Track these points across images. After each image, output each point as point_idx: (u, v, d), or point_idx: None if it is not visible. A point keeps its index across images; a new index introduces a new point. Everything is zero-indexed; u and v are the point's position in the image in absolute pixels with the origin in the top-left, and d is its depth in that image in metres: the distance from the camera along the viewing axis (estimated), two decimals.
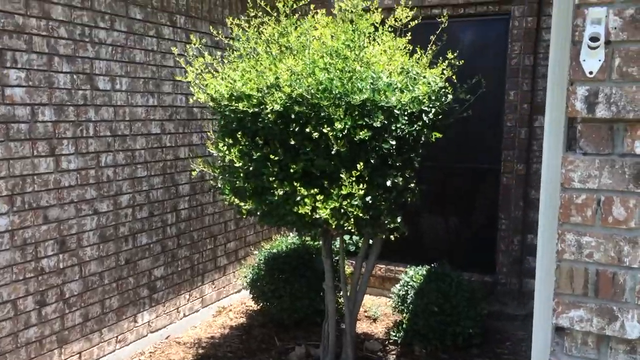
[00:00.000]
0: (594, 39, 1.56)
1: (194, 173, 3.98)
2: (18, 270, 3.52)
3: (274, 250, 4.98)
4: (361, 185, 3.21)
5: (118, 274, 4.27)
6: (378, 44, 3.77)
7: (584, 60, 1.59)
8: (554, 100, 1.79)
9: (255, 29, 3.85)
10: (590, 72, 1.58)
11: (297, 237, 5.23)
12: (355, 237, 4.97)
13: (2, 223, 3.41)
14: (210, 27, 4.97)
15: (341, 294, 4.76)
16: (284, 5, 3.73)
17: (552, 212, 1.83)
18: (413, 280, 4.58)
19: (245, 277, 5.08)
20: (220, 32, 4.89)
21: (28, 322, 3.60)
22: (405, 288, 4.59)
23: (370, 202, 3.33)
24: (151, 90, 4.49)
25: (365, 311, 5.19)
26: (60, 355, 3.83)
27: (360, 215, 3.28)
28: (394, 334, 4.59)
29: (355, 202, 3.24)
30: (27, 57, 3.50)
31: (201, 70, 3.84)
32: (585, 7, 1.58)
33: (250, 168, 3.44)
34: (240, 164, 3.42)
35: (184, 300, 4.97)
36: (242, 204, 3.50)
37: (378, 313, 5.15)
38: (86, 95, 3.92)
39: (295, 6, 3.78)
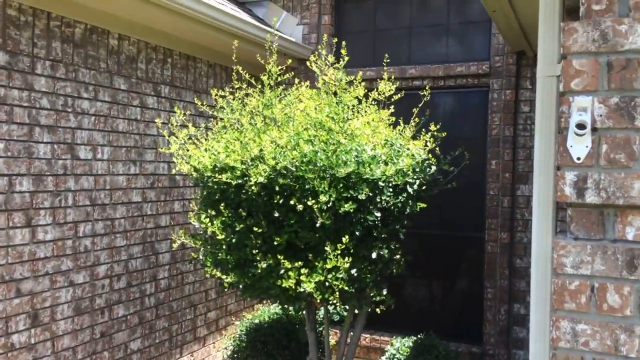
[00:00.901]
0: (581, 126, 1.57)
1: (174, 245, 3.89)
2: None
3: (256, 321, 4.83)
4: (346, 258, 3.16)
5: (92, 348, 4.08)
6: (362, 115, 3.82)
7: (571, 147, 1.60)
8: (541, 183, 1.80)
9: (240, 101, 3.88)
10: (578, 158, 1.59)
11: (280, 307, 5.09)
12: (339, 307, 4.88)
13: None
14: (195, 97, 5.01)
15: None
16: (268, 78, 3.78)
17: (543, 296, 1.80)
18: (399, 353, 4.45)
19: (226, 348, 4.90)
20: (204, 101, 4.93)
21: None
22: None
23: (355, 274, 3.27)
24: (133, 158, 4.45)
25: None
26: None
27: (346, 288, 3.21)
28: None
29: (341, 275, 3.18)
30: (7, 127, 3.46)
31: (184, 141, 3.83)
32: (570, 95, 1.61)
33: (233, 240, 3.38)
34: (223, 236, 3.36)
35: None
36: (224, 276, 3.41)
37: None
38: (66, 165, 3.86)
39: (279, 79, 3.84)
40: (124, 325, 4.35)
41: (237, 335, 4.82)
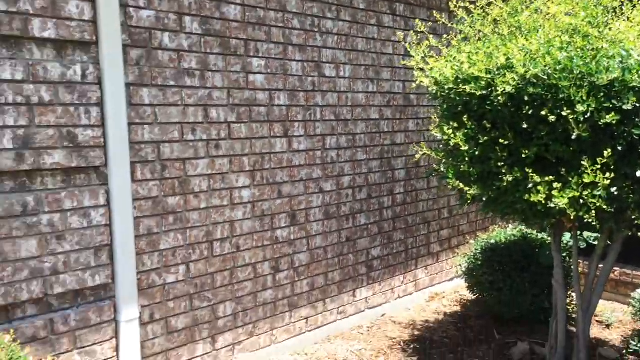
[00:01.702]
0: None
1: (417, 156, 3.96)
2: (257, 237, 3.89)
3: (492, 241, 4.75)
4: (606, 175, 2.86)
5: (340, 250, 4.47)
6: (624, 20, 3.32)
7: None
8: None
9: (482, 10, 3.68)
10: None
11: (516, 229, 4.92)
12: (586, 233, 4.49)
13: (246, 195, 3.79)
14: (433, 13, 4.89)
15: (571, 292, 4.37)
16: None
17: None
18: None
19: (460, 265, 4.95)
20: (443, 16, 4.80)
21: (265, 285, 3.97)
22: None
23: (615, 193, 2.96)
24: (371, 77, 4.58)
25: (596, 315, 4.68)
26: (290, 318, 4.16)
27: (604, 207, 2.93)
28: (634, 343, 4.04)
29: (598, 193, 2.90)
30: (267, 46, 3.81)
31: (425, 54, 3.79)
32: None
33: (476, 152, 3.30)
34: (466, 148, 3.30)
35: (398, 282, 5.03)
36: (466, 189, 3.39)
37: (612, 319, 4.60)
38: (314, 82, 4.14)
39: None
40: (365, 233, 4.66)
41: (472, 254, 4.81)
